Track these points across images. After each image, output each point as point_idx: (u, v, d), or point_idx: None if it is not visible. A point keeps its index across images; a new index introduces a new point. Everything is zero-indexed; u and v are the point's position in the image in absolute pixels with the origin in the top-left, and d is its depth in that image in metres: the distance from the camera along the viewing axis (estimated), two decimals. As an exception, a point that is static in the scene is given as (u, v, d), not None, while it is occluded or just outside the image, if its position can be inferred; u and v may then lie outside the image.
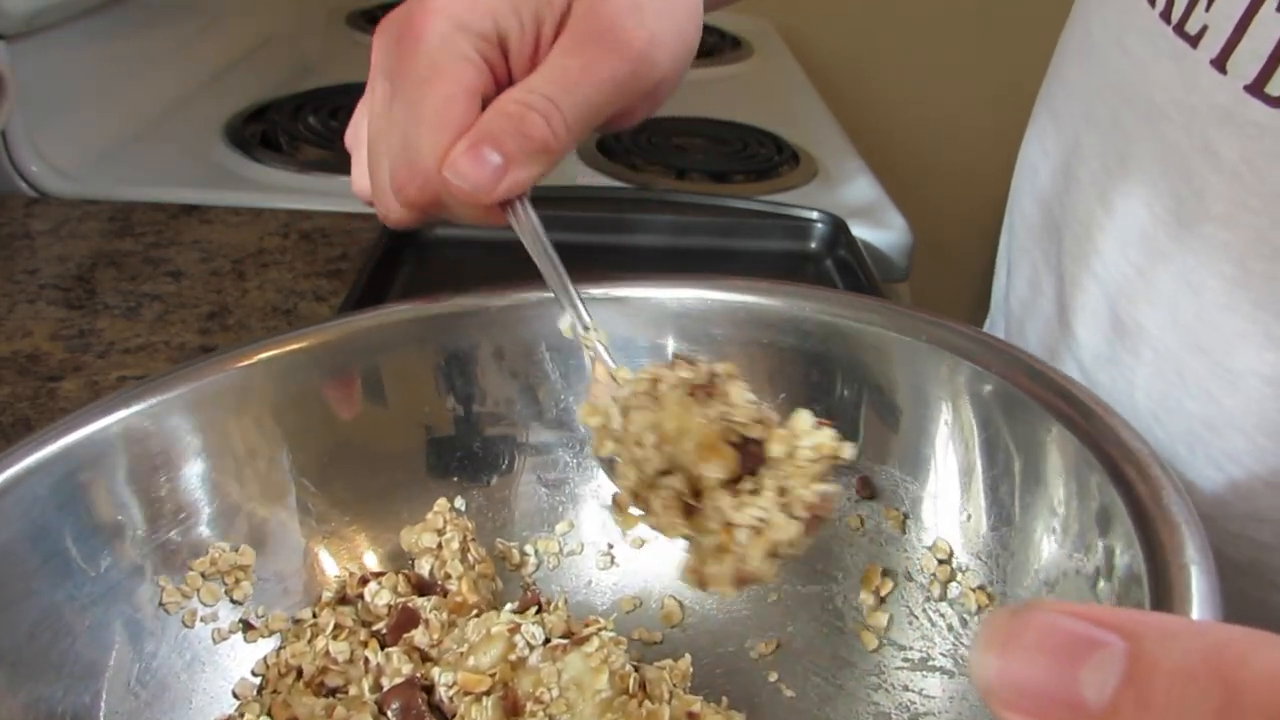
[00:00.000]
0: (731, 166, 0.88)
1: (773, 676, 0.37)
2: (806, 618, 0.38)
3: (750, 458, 0.28)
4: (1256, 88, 0.38)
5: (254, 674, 0.36)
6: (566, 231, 0.71)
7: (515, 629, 0.33)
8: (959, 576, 0.36)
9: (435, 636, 0.35)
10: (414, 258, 0.69)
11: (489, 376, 0.41)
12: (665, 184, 0.85)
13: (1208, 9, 0.40)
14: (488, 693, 0.32)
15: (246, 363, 0.37)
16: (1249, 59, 0.38)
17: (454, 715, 0.32)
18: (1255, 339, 0.39)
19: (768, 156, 0.91)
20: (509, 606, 0.36)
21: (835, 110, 1.09)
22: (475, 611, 0.36)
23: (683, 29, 0.37)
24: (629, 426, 0.29)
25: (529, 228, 0.35)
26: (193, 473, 0.36)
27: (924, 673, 0.36)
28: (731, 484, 0.28)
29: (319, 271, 0.68)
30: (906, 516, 0.38)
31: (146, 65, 0.95)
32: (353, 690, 0.34)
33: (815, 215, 0.74)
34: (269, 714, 0.34)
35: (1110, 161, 0.46)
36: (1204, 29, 0.40)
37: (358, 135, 0.40)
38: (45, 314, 0.61)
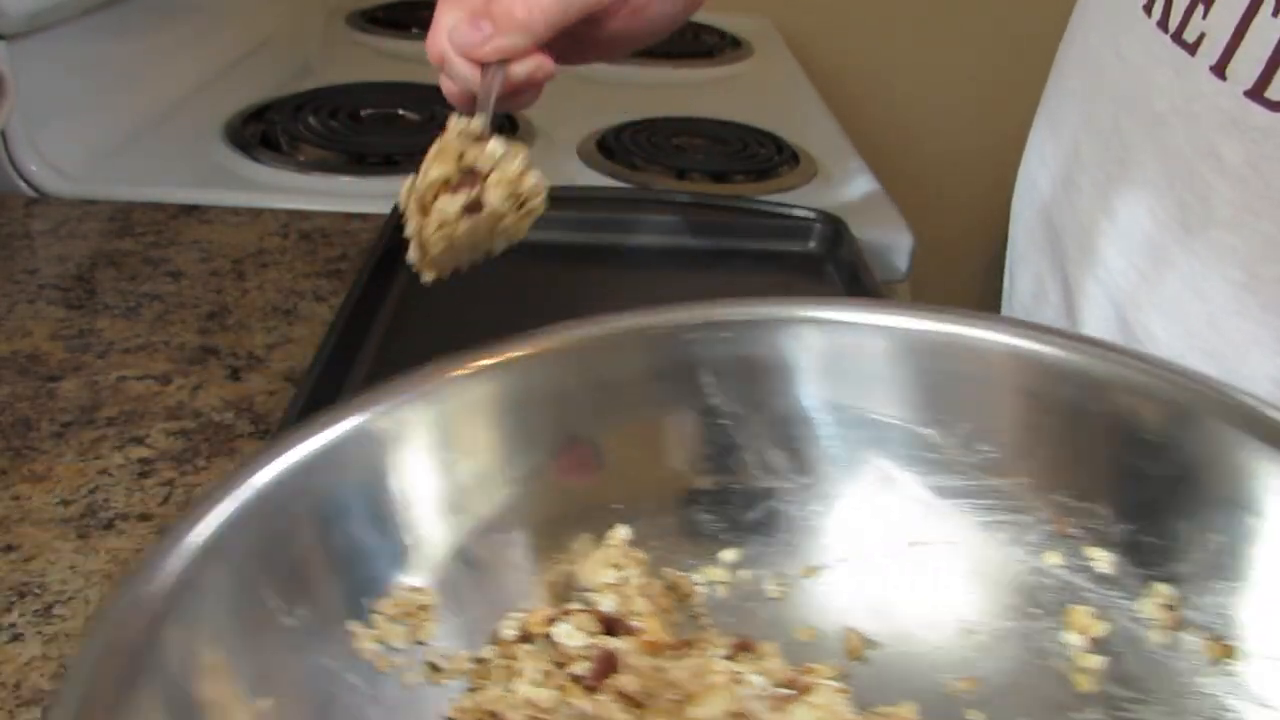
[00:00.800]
0: (731, 166, 0.88)
1: (980, 716, 0.34)
2: (1007, 654, 0.35)
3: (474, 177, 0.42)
4: (1257, 92, 0.38)
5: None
6: (567, 231, 0.71)
7: (736, 677, 0.31)
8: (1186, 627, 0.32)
9: (646, 684, 0.32)
10: (414, 258, 0.68)
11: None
12: (665, 184, 0.85)
13: (1205, 16, 0.40)
14: None
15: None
16: (1248, 64, 0.39)
17: None
18: (1265, 343, 0.39)
19: (768, 156, 0.91)
20: (721, 652, 0.34)
21: (835, 110, 1.09)
22: (669, 651, 0.34)
23: None
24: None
25: (489, 83, 0.44)
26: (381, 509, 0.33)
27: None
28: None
29: (319, 272, 0.68)
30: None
31: (146, 65, 0.95)
32: None
33: (815, 215, 0.74)
34: None
35: (1111, 168, 0.46)
36: (1201, 36, 0.41)
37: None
38: (45, 314, 0.61)
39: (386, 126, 0.94)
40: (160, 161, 0.85)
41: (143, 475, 0.48)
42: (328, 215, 0.76)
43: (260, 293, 0.65)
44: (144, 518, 0.46)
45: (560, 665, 0.33)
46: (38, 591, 0.42)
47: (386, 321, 0.61)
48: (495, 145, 0.41)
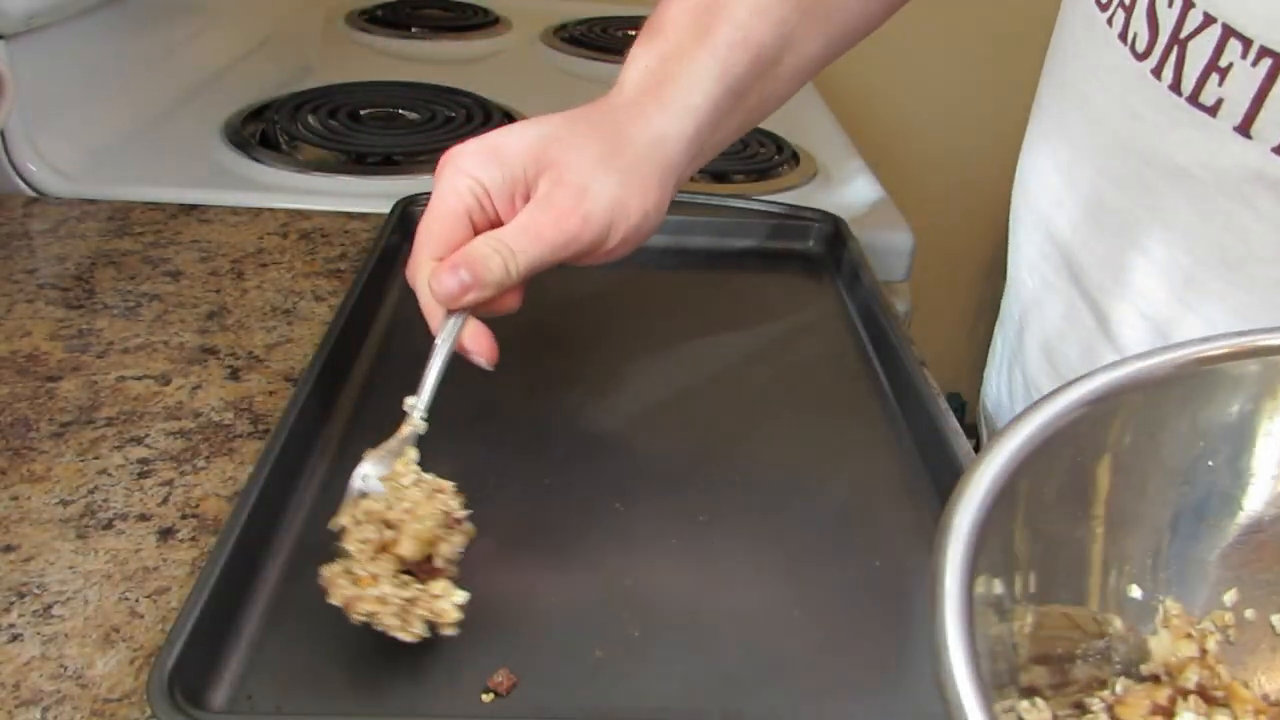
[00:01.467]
0: (731, 166, 0.88)
1: None
2: None
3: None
4: None
5: None
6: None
7: None
8: None
9: None
10: (413, 258, 0.68)
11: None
12: (665, 184, 0.84)
13: (1220, 84, 0.41)
14: None
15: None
16: (1272, 126, 0.39)
17: None
18: None
19: (768, 156, 0.91)
20: None
21: (835, 110, 1.09)
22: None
23: (635, 209, 0.48)
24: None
25: (450, 330, 0.47)
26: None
27: None
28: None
29: (318, 271, 0.68)
30: None
31: (146, 65, 0.95)
32: None
33: (815, 215, 0.74)
34: None
35: (1140, 213, 0.47)
36: (1220, 101, 0.41)
37: None
38: (44, 314, 0.61)
39: (386, 126, 0.94)
40: (159, 161, 0.85)
41: (142, 475, 0.48)
42: (327, 215, 0.76)
43: (260, 292, 0.65)
44: (143, 518, 0.46)
45: None
46: (37, 591, 0.42)
47: (386, 321, 0.61)
48: (414, 492, 0.40)
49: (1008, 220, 0.62)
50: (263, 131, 0.90)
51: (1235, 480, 0.34)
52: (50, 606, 0.41)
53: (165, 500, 0.47)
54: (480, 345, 0.47)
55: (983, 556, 0.27)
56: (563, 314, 0.63)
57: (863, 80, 1.51)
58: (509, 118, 0.97)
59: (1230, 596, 0.34)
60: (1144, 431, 0.33)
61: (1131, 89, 0.46)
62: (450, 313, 0.47)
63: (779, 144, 0.93)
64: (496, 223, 0.48)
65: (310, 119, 0.91)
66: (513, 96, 1.02)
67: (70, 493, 0.47)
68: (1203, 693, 0.32)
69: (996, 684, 0.26)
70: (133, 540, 0.45)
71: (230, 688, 0.38)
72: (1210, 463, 0.34)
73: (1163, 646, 0.33)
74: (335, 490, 0.48)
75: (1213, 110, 0.41)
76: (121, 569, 0.43)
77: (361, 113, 0.94)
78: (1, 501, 0.46)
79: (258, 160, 0.85)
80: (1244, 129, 0.40)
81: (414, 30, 1.28)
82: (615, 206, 0.48)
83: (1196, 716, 0.31)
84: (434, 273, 0.45)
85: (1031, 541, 0.30)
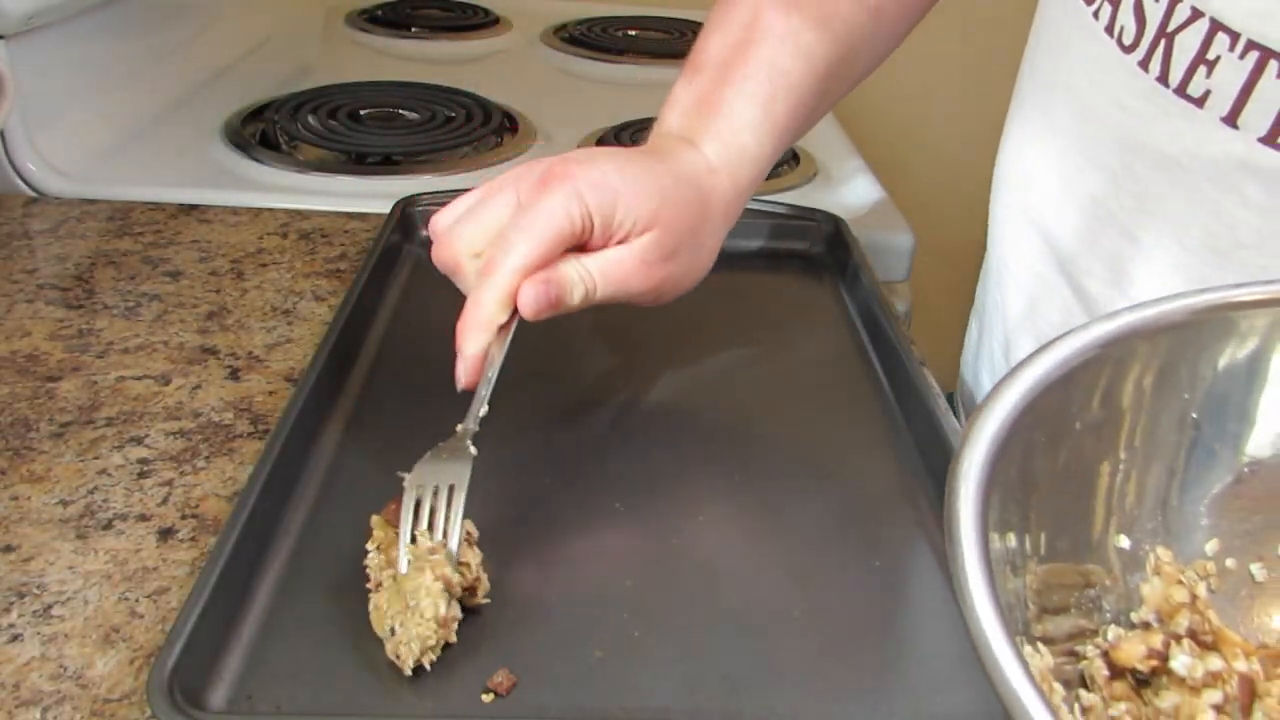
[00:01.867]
0: (731, 166, 0.88)
1: None
2: None
3: None
4: (1270, 139, 0.40)
5: None
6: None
7: None
8: None
9: None
10: (412, 259, 0.68)
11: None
12: (665, 184, 0.84)
13: (1208, 75, 0.41)
14: None
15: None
16: (1259, 116, 0.40)
17: None
18: None
19: (768, 156, 0.90)
20: None
21: (835, 110, 1.09)
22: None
23: (699, 267, 0.53)
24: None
25: (500, 357, 0.47)
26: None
27: None
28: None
29: (318, 271, 0.68)
30: None
31: (146, 65, 0.94)
32: None
33: (815, 215, 0.74)
34: None
35: (1127, 202, 0.48)
36: (1208, 93, 0.42)
37: (454, 215, 0.50)
38: (44, 314, 0.61)
39: (386, 126, 0.94)
40: (159, 161, 0.85)
41: (142, 476, 0.48)
42: (327, 215, 0.76)
43: (259, 292, 0.65)
44: (143, 518, 0.46)
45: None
46: (36, 592, 0.42)
47: (386, 321, 0.61)
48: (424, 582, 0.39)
49: None
50: (263, 131, 0.90)
51: (1239, 424, 0.35)
52: (50, 607, 0.41)
53: (165, 500, 0.47)
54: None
55: (993, 510, 0.27)
56: (561, 314, 0.63)
57: (863, 80, 1.50)
58: (509, 118, 0.97)
59: (1212, 546, 0.35)
60: (1149, 379, 0.34)
61: (1118, 81, 0.46)
62: (501, 332, 0.47)
63: (779, 144, 0.93)
64: (581, 246, 0.49)
65: (310, 119, 0.91)
66: (513, 96, 1.02)
67: (70, 493, 0.47)
68: (1193, 637, 0.32)
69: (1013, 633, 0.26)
70: (132, 540, 0.44)
71: (230, 688, 0.38)
72: (1214, 409, 0.34)
73: (1155, 593, 0.33)
74: (335, 490, 0.48)
75: (1200, 101, 0.42)
76: (121, 569, 0.43)
77: (361, 113, 0.94)
78: (1, 502, 0.46)
79: (258, 160, 0.85)
80: (1231, 120, 0.41)
81: (414, 30, 1.28)
82: (692, 270, 0.52)
83: (1190, 659, 0.31)
84: (531, 279, 0.46)
85: (1038, 490, 0.31)
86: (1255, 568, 0.36)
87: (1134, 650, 0.32)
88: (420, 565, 0.39)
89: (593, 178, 0.47)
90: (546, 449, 0.51)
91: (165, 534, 0.45)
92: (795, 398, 0.58)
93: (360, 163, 0.86)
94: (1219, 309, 0.34)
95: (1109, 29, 0.46)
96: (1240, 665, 0.31)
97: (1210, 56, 0.41)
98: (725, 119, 0.53)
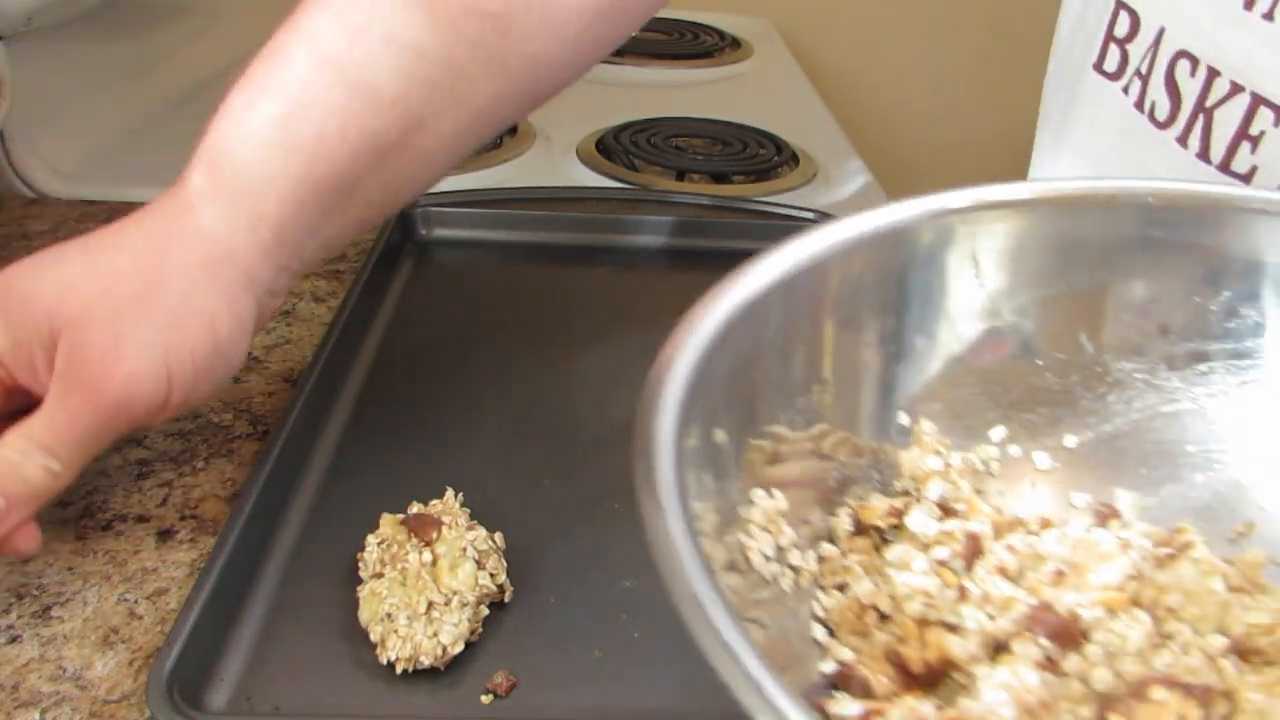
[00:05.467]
0: (731, 167, 0.88)
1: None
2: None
3: None
4: None
5: (819, 622, 0.32)
6: (567, 232, 0.71)
7: (1126, 545, 0.32)
8: None
9: (1019, 560, 0.32)
10: (412, 259, 0.68)
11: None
12: (665, 185, 0.84)
13: (1253, 152, 0.40)
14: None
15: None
16: None
17: (1085, 635, 0.30)
18: None
19: (767, 157, 0.90)
20: (1083, 521, 0.34)
21: (835, 110, 1.09)
22: (1017, 530, 0.34)
23: (198, 349, 0.39)
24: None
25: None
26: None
27: None
28: None
29: (317, 272, 0.68)
30: None
31: (145, 66, 0.94)
32: (968, 624, 0.30)
33: (815, 215, 0.74)
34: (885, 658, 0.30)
35: None
36: (1254, 169, 0.40)
37: None
38: (43, 315, 0.61)
39: (386, 127, 0.93)
40: (159, 162, 0.84)
41: (141, 476, 0.48)
42: (327, 216, 0.76)
43: (259, 293, 0.65)
44: (141, 519, 0.46)
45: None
46: (36, 593, 0.42)
47: (385, 322, 0.61)
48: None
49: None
50: (262, 132, 0.90)
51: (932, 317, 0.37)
52: (49, 608, 0.41)
53: (164, 501, 0.47)
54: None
55: (706, 402, 0.28)
56: (562, 315, 0.63)
57: (863, 80, 1.51)
58: (509, 118, 0.96)
59: (997, 432, 0.37)
60: (853, 282, 0.36)
61: (1155, 157, 0.44)
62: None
63: (778, 145, 0.93)
64: (21, 391, 0.39)
65: (310, 120, 0.91)
66: (512, 97, 1.02)
67: (69, 493, 0.47)
68: (945, 505, 0.34)
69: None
70: (132, 541, 0.44)
71: (229, 688, 0.38)
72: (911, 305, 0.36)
73: (911, 460, 0.35)
74: (335, 491, 0.48)
75: (1247, 178, 0.40)
76: (120, 570, 0.43)
77: (361, 114, 0.94)
78: (0, 502, 0.46)
79: (257, 161, 0.85)
80: None
81: (414, 31, 1.28)
82: (167, 355, 0.38)
83: (926, 517, 0.33)
84: None
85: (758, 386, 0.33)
86: (1039, 455, 0.37)
87: (878, 507, 0.33)
88: (460, 560, 0.40)
89: None
90: (546, 449, 0.51)
91: (164, 535, 0.45)
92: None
93: (360, 163, 0.86)
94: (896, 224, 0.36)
95: (1139, 104, 0.44)
96: (973, 526, 0.33)
97: (1253, 131, 0.39)
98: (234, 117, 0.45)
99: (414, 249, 0.69)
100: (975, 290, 0.36)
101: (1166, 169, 0.44)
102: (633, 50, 1.22)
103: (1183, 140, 0.42)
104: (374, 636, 0.38)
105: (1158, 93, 0.43)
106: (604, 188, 0.83)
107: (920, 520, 0.33)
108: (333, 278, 0.67)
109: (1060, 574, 0.31)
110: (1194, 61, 0.41)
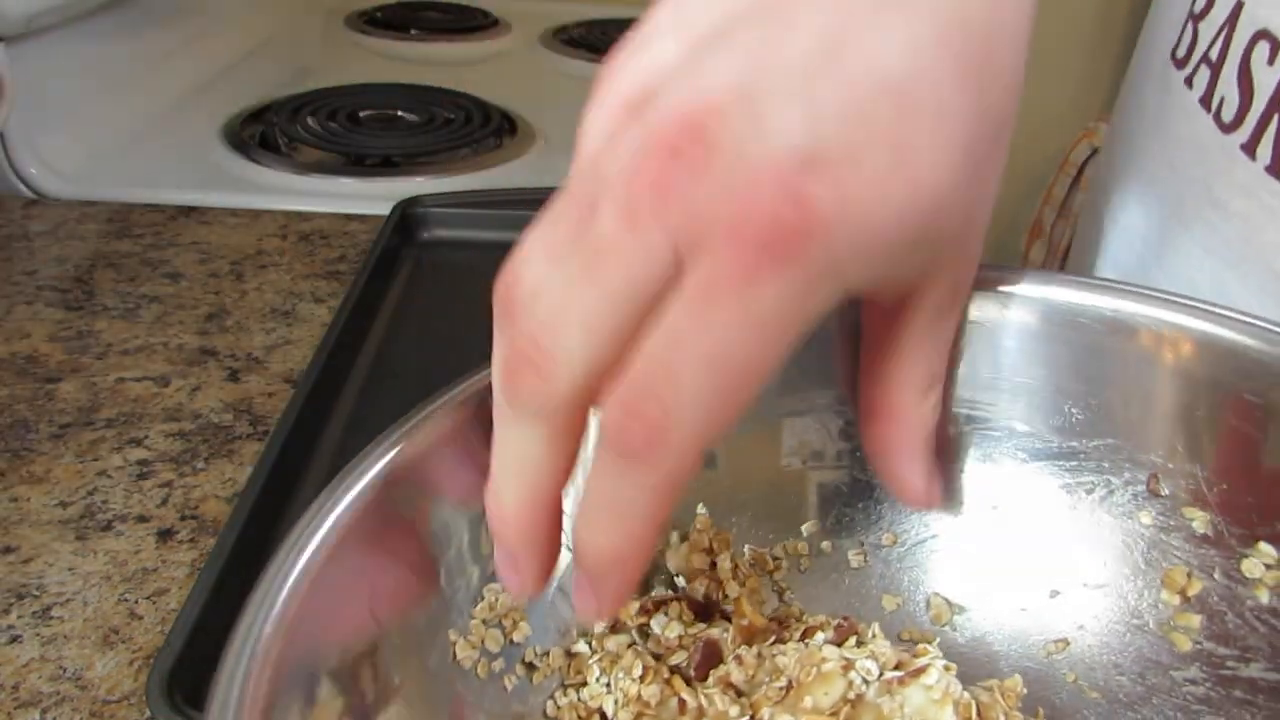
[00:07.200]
0: (731, 167, 0.88)
1: (1070, 677, 0.34)
2: (1100, 614, 0.34)
3: None
4: None
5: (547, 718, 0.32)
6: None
7: (849, 665, 0.31)
8: None
9: (750, 673, 0.31)
10: (412, 259, 0.68)
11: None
12: (664, 185, 0.84)
13: None
14: None
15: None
16: None
17: None
18: None
19: (767, 157, 0.90)
20: (824, 636, 0.33)
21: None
22: (769, 639, 0.33)
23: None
24: None
25: None
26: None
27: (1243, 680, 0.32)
28: None
29: (317, 273, 0.68)
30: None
31: (145, 66, 0.95)
32: None
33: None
34: None
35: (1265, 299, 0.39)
36: None
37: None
38: (43, 315, 0.61)
39: (385, 128, 0.94)
40: (159, 163, 0.85)
41: (141, 477, 0.48)
42: (326, 216, 0.76)
43: (259, 294, 0.65)
44: (142, 519, 0.46)
45: (657, 657, 0.32)
46: (36, 593, 0.42)
47: (385, 323, 0.61)
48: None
49: (1007, 219, 0.61)
50: (262, 133, 0.90)
51: None
52: (49, 608, 0.41)
53: (164, 502, 0.47)
54: None
55: None
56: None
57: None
58: (508, 120, 0.97)
59: (808, 528, 0.36)
60: None
61: (1215, 170, 0.35)
62: None
63: (778, 145, 0.93)
64: None
65: (309, 121, 0.91)
66: (512, 99, 1.02)
67: (69, 494, 0.47)
68: (710, 603, 0.33)
69: None
70: (132, 542, 0.44)
71: (229, 689, 0.38)
72: None
73: (678, 556, 0.34)
74: (335, 491, 0.48)
75: None
76: (121, 570, 0.43)
77: (361, 115, 0.94)
78: (1, 503, 0.46)
79: (257, 162, 0.85)
80: None
81: (413, 32, 1.28)
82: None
83: (667, 619, 0.32)
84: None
85: None
86: (853, 555, 0.36)
87: (630, 608, 0.33)
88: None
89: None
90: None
91: (165, 535, 0.45)
92: (795, 398, 0.58)
93: (360, 165, 0.86)
94: None
95: (1204, 101, 0.35)
96: (714, 631, 0.32)
97: None
98: None
99: (414, 249, 0.70)
100: None
101: (1229, 187, 0.34)
102: (632, 51, 1.22)
103: (1250, 148, 0.33)
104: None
105: (1228, 86, 0.33)
106: (603, 188, 0.83)
107: (662, 623, 0.32)
108: (333, 278, 0.67)
109: (784, 690, 0.30)
110: (1275, 45, 0.31)
